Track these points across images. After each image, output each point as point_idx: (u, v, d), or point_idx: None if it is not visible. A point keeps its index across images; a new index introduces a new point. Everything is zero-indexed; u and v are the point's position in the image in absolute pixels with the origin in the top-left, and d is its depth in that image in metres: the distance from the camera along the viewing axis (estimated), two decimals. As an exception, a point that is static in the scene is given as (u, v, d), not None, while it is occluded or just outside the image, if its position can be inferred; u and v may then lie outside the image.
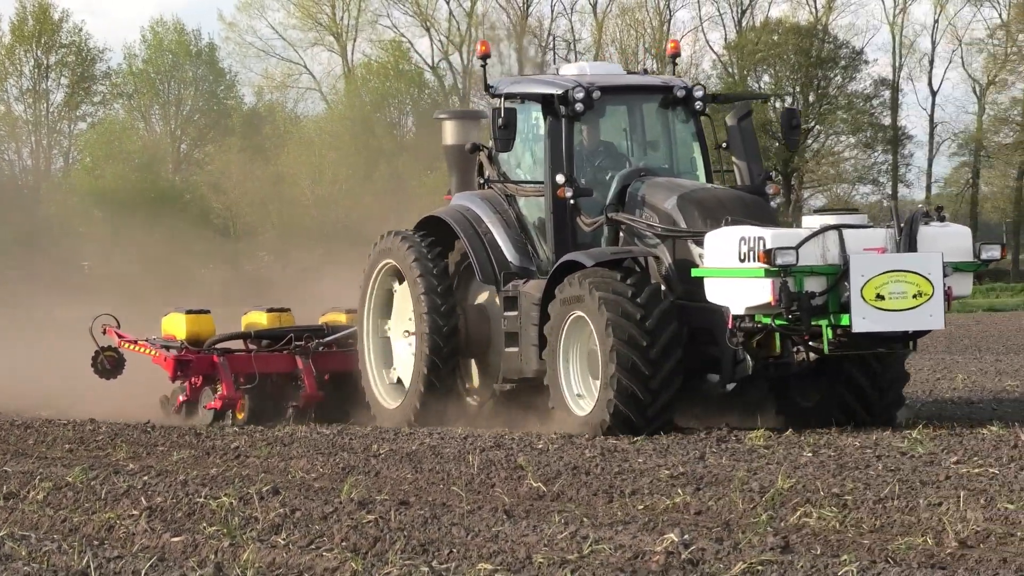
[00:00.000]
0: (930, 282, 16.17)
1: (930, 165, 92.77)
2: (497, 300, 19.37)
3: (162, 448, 17.65)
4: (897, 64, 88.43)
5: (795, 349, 17.59)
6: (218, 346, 21.28)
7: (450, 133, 21.48)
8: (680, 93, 19.43)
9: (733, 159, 19.68)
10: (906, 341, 17.14)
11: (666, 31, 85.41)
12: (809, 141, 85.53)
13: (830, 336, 16.48)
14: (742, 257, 16.50)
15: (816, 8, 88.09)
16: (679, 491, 14.03)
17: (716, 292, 17.21)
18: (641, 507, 13.42)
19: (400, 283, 20.10)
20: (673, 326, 17.26)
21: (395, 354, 20.35)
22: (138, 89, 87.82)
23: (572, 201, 18.60)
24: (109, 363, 21.74)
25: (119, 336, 22.12)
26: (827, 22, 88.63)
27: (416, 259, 19.27)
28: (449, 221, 19.63)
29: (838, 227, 16.44)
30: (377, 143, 77.57)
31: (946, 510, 12.14)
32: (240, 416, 20.29)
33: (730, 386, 18.40)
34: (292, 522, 12.33)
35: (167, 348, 21.19)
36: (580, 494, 14.40)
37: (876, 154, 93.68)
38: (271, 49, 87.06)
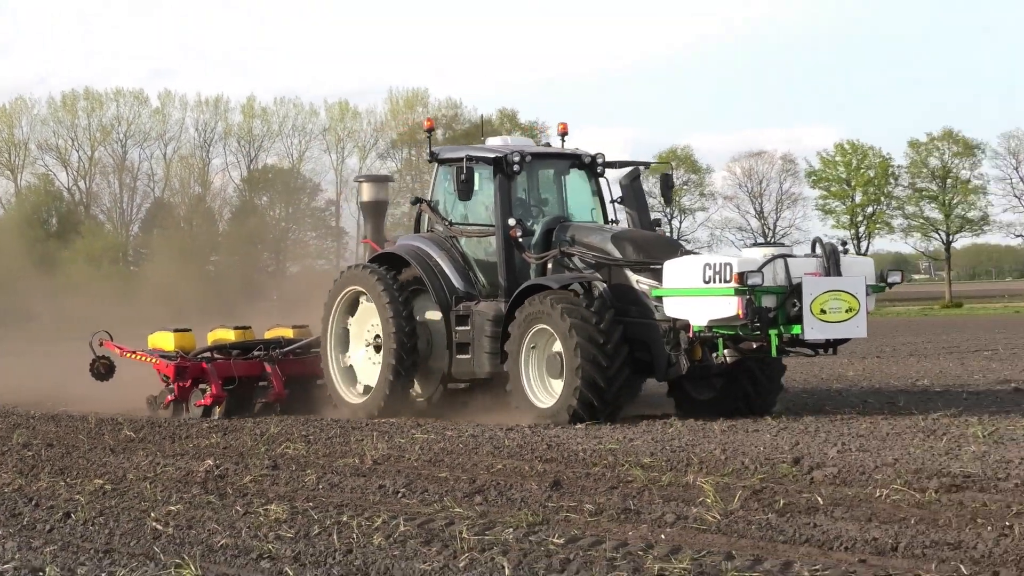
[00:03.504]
0: (857, 299, 18.48)
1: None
2: (437, 317, 21.71)
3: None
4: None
5: (713, 354, 19.29)
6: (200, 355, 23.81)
7: (366, 192, 25.27)
8: (587, 159, 22.52)
9: (625, 210, 22.64)
10: (834, 347, 19.34)
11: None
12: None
13: (776, 343, 18.49)
14: (707, 279, 18.50)
15: None
16: (213, 435, 19.41)
17: (676, 308, 19.20)
18: (192, 446, 18.49)
19: (359, 305, 22.65)
20: (625, 343, 19.48)
21: (354, 361, 22.84)
22: None
23: (520, 239, 21.08)
24: (104, 369, 24.60)
25: (119, 348, 24.63)
26: None
27: (384, 288, 21.66)
28: (405, 256, 22.00)
29: (784, 256, 18.64)
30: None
31: (366, 442, 17.72)
32: (219, 411, 22.89)
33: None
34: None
35: (166, 357, 23.48)
36: (157, 438, 19.56)
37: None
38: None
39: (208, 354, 24.03)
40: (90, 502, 13.57)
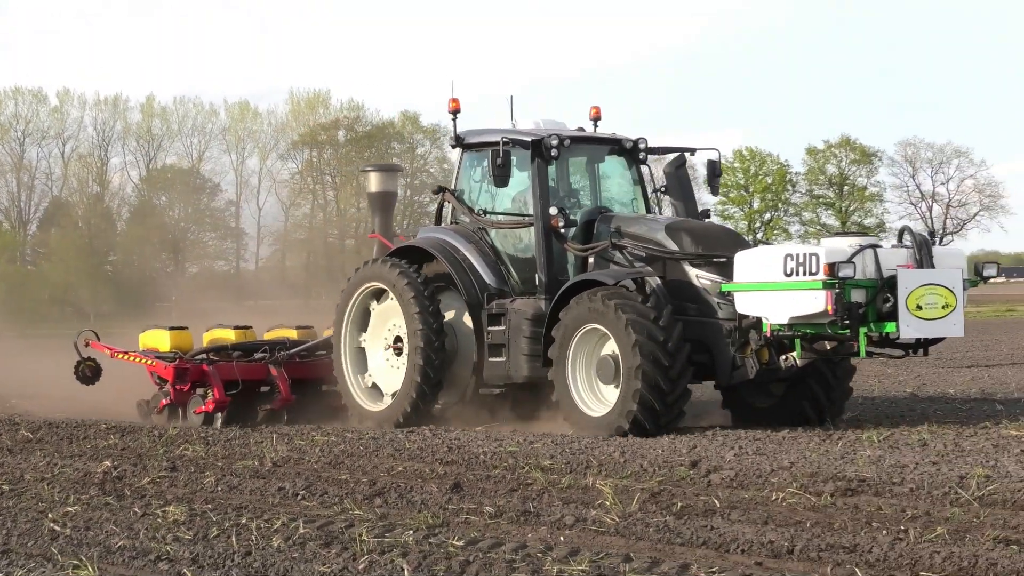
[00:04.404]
0: (954, 294, 16.64)
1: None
2: (464, 317, 19.94)
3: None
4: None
5: (782, 356, 17.53)
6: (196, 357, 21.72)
7: (374, 182, 23.22)
8: (628, 145, 20.61)
9: (670, 200, 20.60)
10: (925, 347, 17.58)
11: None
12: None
13: (864, 342, 16.78)
14: (789, 272, 16.73)
15: None
16: (111, 436, 19.20)
17: (750, 304, 17.34)
18: (90, 447, 18.29)
19: (378, 303, 20.68)
20: (686, 343, 17.59)
21: (370, 364, 20.76)
22: None
23: (563, 231, 19.32)
24: (89, 371, 22.64)
25: (108, 348, 22.84)
26: None
27: (408, 282, 19.63)
28: (430, 249, 20.07)
29: (873, 246, 16.81)
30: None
31: (265, 444, 17.66)
32: (220, 417, 20.77)
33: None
34: None
35: (162, 359, 21.63)
36: (55, 439, 19.21)
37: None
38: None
39: (206, 356, 21.87)
40: (-12, 502, 13.44)
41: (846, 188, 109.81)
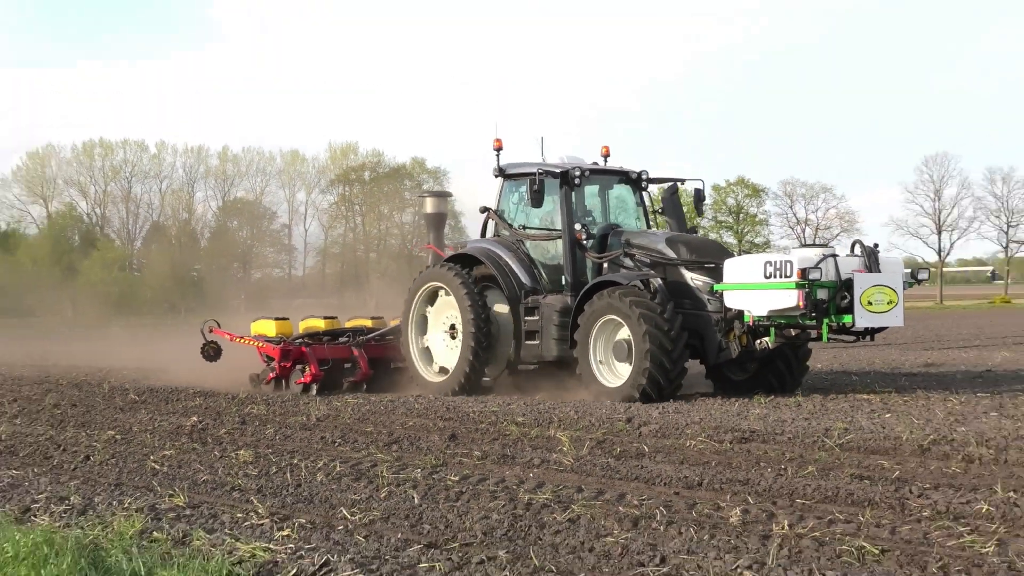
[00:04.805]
0: (896, 293, 16.15)
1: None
2: (504, 309, 19.30)
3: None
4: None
5: (757, 341, 17.21)
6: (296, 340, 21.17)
7: (429, 205, 22.54)
8: (633, 176, 20.07)
9: (666, 219, 20.18)
10: (872, 334, 16.88)
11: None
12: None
13: (826, 330, 16.32)
14: (768, 275, 16.34)
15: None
16: (197, 398, 19.28)
17: (737, 300, 16.90)
18: (181, 406, 18.22)
19: (437, 298, 20.11)
20: (684, 331, 17.10)
21: (432, 347, 20.24)
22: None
23: (587, 243, 18.83)
24: (212, 351, 22.01)
25: (228, 334, 22.16)
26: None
27: (461, 282, 19.23)
28: (478, 256, 19.53)
29: (833, 255, 16.30)
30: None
31: (311, 405, 17.53)
32: (315, 387, 20.26)
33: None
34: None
35: (271, 342, 21.12)
36: (155, 401, 19.08)
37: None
38: None
39: (303, 339, 21.32)
40: (104, 448, 13.44)
41: (741, 215, 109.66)
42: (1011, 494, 9.08)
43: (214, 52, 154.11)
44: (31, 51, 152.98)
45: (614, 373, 17.60)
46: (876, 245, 16.76)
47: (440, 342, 20.10)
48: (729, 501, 9.17)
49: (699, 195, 20.64)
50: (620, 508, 9.00)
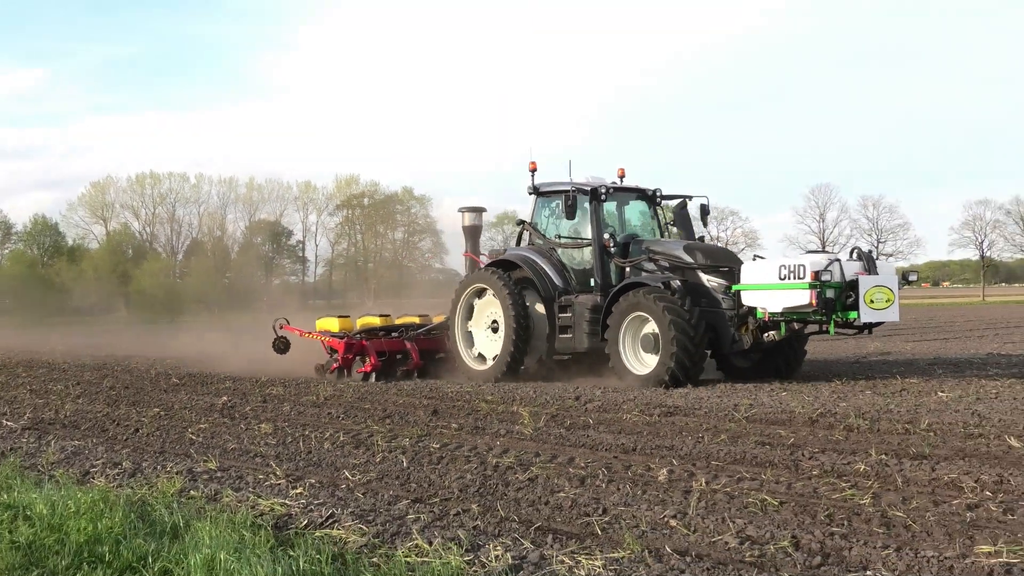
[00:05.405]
0: (893, 292, 15.28)
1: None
2: (540, 308, 18.33)
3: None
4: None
5: (764, 334, 16.19)
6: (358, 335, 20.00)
7: (467, 219, 21.04)
8: (649, 193, 19.14)
9: (676, 230, 19.21)
10: (870, 328, 15.72)
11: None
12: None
13: (832, 325, 15.40)
14: (783, 277, 15.43)
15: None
16: (227, 381, 18.93)
17: (753, 299, 15.95)
18: (214, 388, 18.02)
19: (480, 298, 19.10)
20: (704, 324, 16.18)
21: (476, 340, 19.12)
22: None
23: (612, 250, 17.88)
24: (282, 345, 20.70)
25: (298, 330, 20.85)
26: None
27: (504, 284, 18.27)
28: (517, 261, 18.59)
29: (839, 260, 15.37)
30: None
31: (320, 387, 17.43)
32: (373, 376, 19.12)
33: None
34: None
35: (335, 336, 19.97)
36: (192, 384, 18.93)
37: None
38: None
39: (362, 334, 20.07)
40: (151, 422, 13.28)
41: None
42: (883, 456, 9.06)
43: (246, 104, 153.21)
44: (107, 100, 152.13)
45: (641, 362, 16.62)
46: (870, 251, 15.93)
47: (483, 336, 19.08)
48: (658, 463, 9.11)
49: (704, 209, 19.30)
50: (570, 469, 8.93)
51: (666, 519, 6.97)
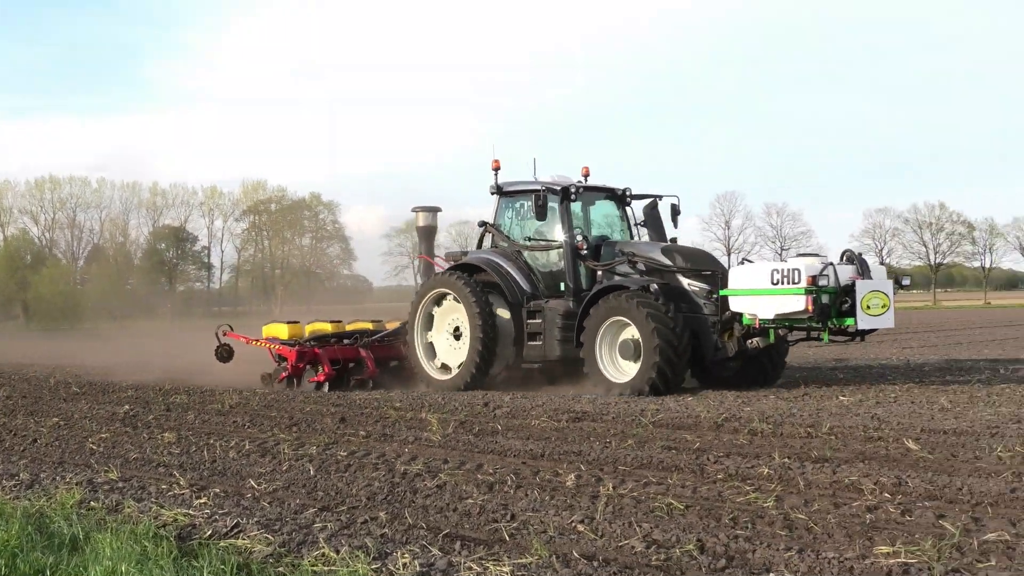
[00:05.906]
0: (888, 297, 14.57)
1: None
2: (505, 313, 17.42)
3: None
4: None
5: (748, 341, 15.46)
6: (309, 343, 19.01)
7: (421, 219, 20.11)
8: (618, 192, 18.29)
9: (647, 231, 18.09)
10: (863, 335, 15.01)
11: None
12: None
13: (827, 332, 14.73)
14: (775, 282, 14.64)
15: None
16: (128, 390, 18.57)
17: (742, 305, 15.14)
18: (115, 397, 17.62)
19: (439, 305, 18.20)
20: (687, 330, 15.52)
21: (437, 348, 18.18)
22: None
23: (584, 252, 17.07)
24: (226, 353, 19.63)
25: (243, 337, 19.81)
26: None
27: (469, 289, 17.35)
28: (481, 265, 17.73)
29: (833, 264, 14.67)
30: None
31: (225, 394, 17.07)
32: (327, 385, 18.22)
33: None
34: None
35: (286, 344, 18.93)
36: (93, 392, 18.52)
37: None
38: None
39: (314, 342, 19.11)
40: (49, 432, 12.98)
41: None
42: (786, 460, 9.21)
43: (147, 108, 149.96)
44: (3, 103, 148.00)
45: (619, 369, 15.89)
46: (861, 254, 15.31)
47: (444, 343, 18.16)
48: (566, 469, 9.13)
49: (675, 210, 18.20)
50: (478, 476, 8.92)
51: (574, 524, 6.99)
